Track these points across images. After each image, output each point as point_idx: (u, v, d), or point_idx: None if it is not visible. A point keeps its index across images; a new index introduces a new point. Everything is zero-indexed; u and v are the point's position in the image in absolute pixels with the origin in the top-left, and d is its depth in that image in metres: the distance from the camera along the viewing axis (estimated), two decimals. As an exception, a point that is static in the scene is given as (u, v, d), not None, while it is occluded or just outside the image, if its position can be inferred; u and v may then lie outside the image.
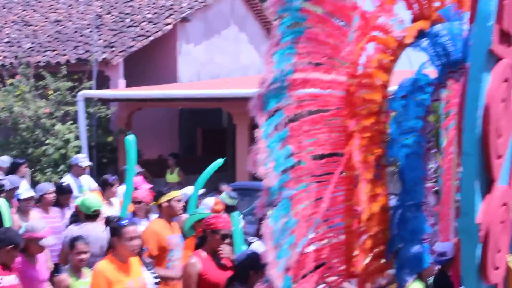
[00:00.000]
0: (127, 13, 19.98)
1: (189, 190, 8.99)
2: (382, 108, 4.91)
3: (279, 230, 4.56)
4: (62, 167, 15.70)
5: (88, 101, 16.24)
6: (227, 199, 9.75)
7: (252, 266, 5.71)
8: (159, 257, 7.08)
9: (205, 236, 6.51)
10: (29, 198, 8.63)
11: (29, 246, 6.78)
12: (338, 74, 4.77)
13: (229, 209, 8.71)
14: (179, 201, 7.39)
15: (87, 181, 11.41)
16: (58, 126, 16.21)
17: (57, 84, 16.61)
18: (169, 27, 18.45)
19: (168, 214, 7.38)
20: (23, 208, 8.54)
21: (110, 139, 16.77)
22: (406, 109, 4.94)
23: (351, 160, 4.71)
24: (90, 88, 16.41)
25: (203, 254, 6.30)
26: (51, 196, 9.10)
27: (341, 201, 4.87)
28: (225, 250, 6.48)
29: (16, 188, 8.98)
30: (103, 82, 17.06)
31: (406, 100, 4.95)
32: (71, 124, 16.29)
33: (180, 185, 12.31)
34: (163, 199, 7.33)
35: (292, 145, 4.53)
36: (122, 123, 16.95)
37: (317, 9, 4.64)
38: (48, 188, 9.22)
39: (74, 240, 6.99)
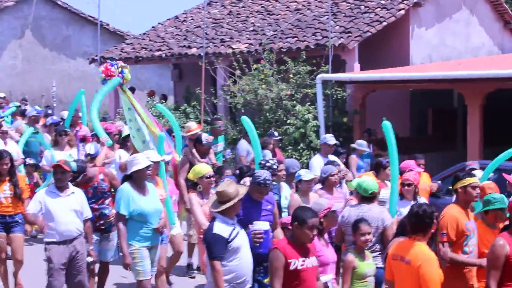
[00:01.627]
0: (362, 0, 20.00)
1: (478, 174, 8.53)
2: None
3: None
4: (301, 145, 15.94)
5: (325, 83, 16.50)
6: None
7: None
8: (455, 243, 6.77)
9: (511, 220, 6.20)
10: (310, 180, 8.68)
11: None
12: None
13: None
14: (475, 187, 6.92)
15: (334, 159, 11.43)
16: (298, 107, 16.57)
17: (297, 68, 17.02)
18: (402, 12, 18.31)
19: (464, 200, 6.92)
20: (303, 189, 8.63)
21: (345, 119, 16.87)
22: None
23: None
24: (327, 71, 16.62)
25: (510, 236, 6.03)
26: (335, 178, 9.15)
27: None
28: None
29: (295, 172, 9.09)
30: (339, 65, 17.23)
31: None
32: (310, 105, 16.62)
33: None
34: (459, 184, 6.90)
35: None
36: (357, 104, 17.01)
37: None
38: (333, 169, 9.21)
39: (357, 222, 7.01)
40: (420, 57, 18.83)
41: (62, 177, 7.93)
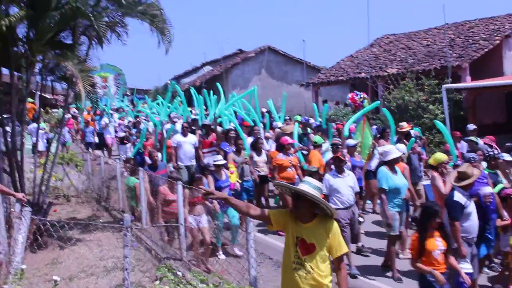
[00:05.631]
0: (470, 36, 19.60)
1: None
2: None
3: None
4: (433, 130, 15.65)
5: (448, 90, 16.19)
6: None
7: None
8: None
9: None
10: None
11: None
12: None
13: None
14: None
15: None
16: (430, 106, 16.76)
17: (429, 82, 17.27)
18: (497, 42, 18.33)
19: None
20: None
21: (461, 113, 16.78)
22: None
23: None
24: (448, 83, 16.71)
25: None
26: None
27: None
28: None
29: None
30: (457, 78, 17.47)
31: None
32: (438, 104, 16.70)
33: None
34: None
35: None
36: (469, 103, 17.15)
37: None
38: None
39: None
40: (509, 71, 18.25)
41: (340, 165, 7.90)
